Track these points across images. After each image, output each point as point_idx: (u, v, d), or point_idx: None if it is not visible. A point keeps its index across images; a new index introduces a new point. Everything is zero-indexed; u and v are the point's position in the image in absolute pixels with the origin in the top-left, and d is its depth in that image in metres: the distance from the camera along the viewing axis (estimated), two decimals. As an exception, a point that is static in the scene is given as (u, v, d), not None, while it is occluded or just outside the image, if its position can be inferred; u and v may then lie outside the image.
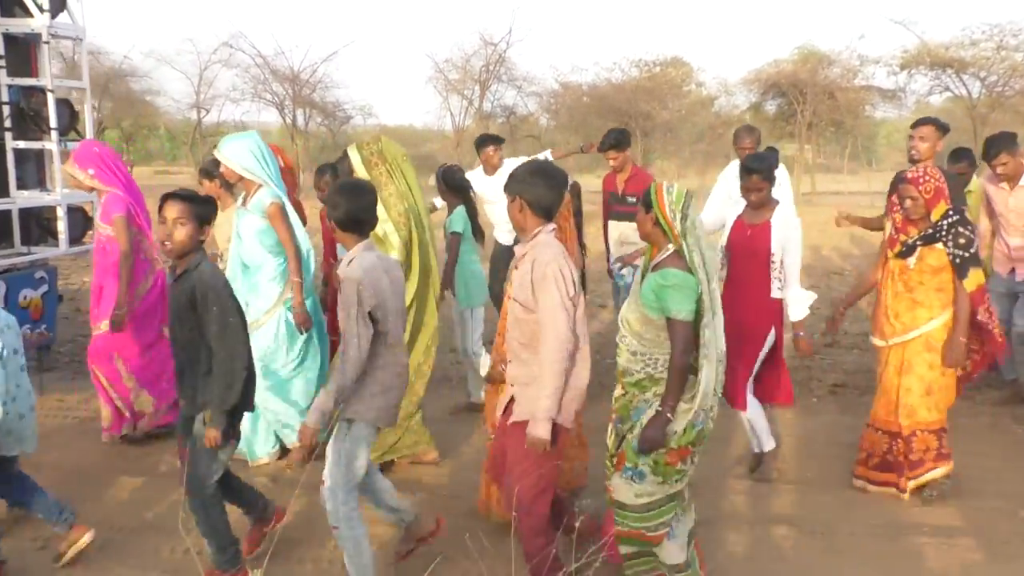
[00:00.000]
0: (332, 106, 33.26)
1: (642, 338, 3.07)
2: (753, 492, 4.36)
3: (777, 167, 4.22)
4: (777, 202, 4.11)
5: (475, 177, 6.14)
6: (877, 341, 4.18)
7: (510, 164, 6.00)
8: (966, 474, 4.31)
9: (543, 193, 3.04)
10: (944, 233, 3.80)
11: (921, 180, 3.81)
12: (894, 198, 4.10)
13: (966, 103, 27.21)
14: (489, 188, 6.13)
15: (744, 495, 4.33)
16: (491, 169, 6.24)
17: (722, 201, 5.64)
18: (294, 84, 31.30)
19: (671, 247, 3.05)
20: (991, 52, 26.70)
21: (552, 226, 3.09)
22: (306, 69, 31.37)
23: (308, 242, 4.68)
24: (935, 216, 3.82)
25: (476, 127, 31.53)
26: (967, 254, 3.76)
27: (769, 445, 4.39)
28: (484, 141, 6.41)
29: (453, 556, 3.54)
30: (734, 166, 5.50)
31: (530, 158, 5.67)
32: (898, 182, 4.12)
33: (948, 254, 3.79)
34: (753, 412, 4.23)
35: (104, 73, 28.21)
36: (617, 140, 5.66)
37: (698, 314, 2.99)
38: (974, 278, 3.78)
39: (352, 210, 3.15)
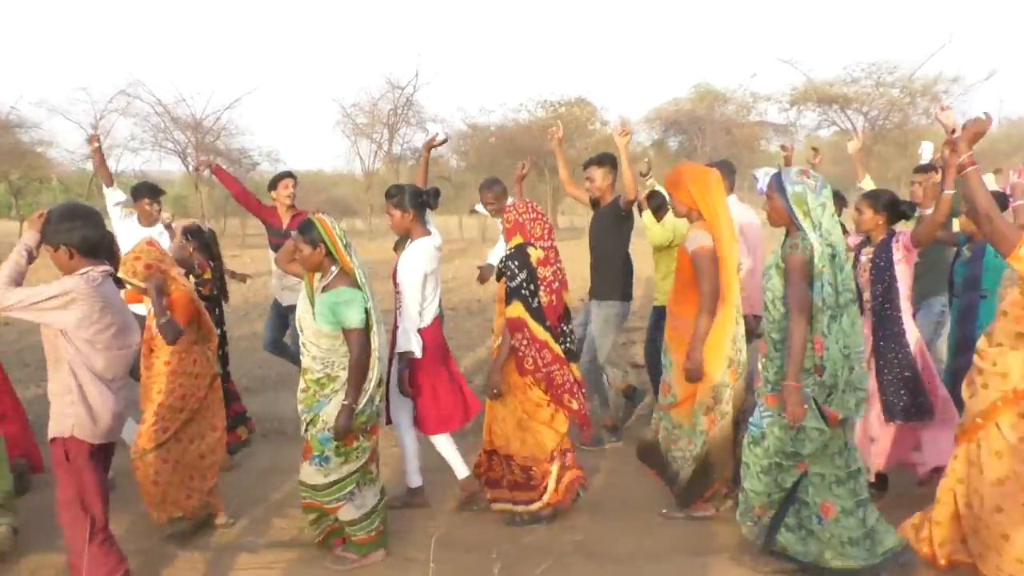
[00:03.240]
0: (237, 153, 32.62)
1: (320, 347, 3.57)
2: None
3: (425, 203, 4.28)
4: (428, 234, 4.26)
5: (128, 228, 5.63)
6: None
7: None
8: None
9: (88, 234, 3.03)
10: (505, 263, 4.01)
11: (507, 210, 4.07)
12: None
13: (851, 137, 28.81)
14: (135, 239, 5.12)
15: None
16: (146, 220, 5.67)
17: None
18: (196, 132, 30.63)
19: (335, 270, 3.57)
20: (871, 89, 28.52)
21: (101, 268, 3.06)
22: (209, 116, 30.79)
23: None
24: (510, 247, 4.05)
25: (386, 170, 31.50)
26: (511, 285, 3.96)
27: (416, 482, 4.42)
28: (139, 192, 5.75)
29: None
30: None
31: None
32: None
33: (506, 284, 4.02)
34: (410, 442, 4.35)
35: (-11, 125, 26.92)
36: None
37: (368, 323, 3.53)
38: (513, 308, 3.95)
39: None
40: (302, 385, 3.67)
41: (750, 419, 3.47)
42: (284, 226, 5.85)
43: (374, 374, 3.58)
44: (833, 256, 3.19)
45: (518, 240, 4.03)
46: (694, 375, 3.89)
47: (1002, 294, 3.31)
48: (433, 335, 4.31)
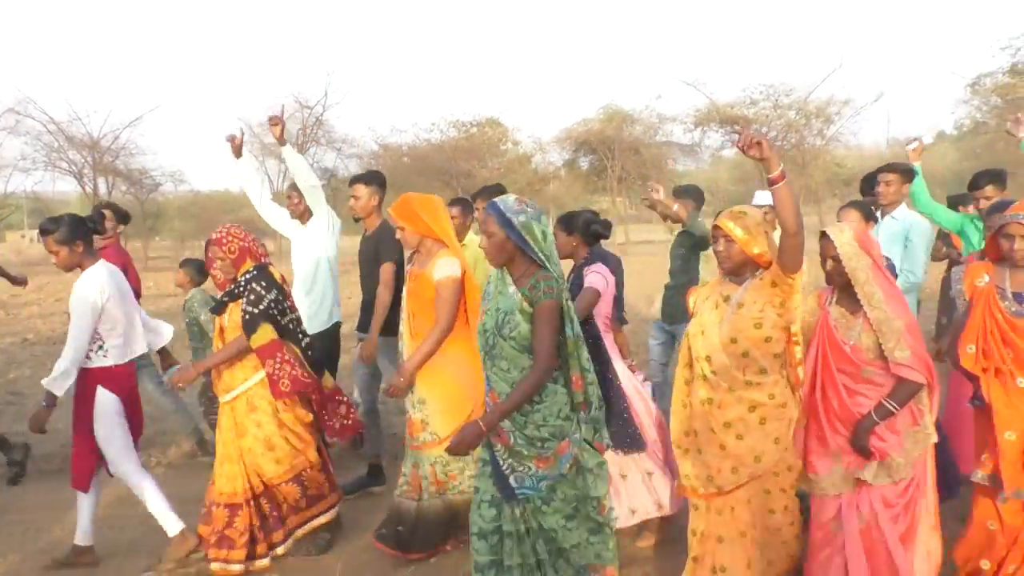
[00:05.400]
0: (138, 173, 31.46)
1: None
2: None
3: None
4: (97, 261, 3.88)
5: None
6: (221, 397, 3.96)
7: None
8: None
9: None
10: (243, 289, 3.79)
11: (224, 240, 3.83)
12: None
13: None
14: None
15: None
16: None
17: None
18: (94, 151, 29.38)
19: None
20: (769, 110, 29.79)
21: None
22: (107, 135, 29.59)
23: None
24: (239, 273, 3.85)
25: (296, 190, 30.88)
26: (256, 310, 3.75)
27: (176, 527, 3.92)
28: None
29: None
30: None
31: None
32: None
33: (242, 310, 3.76)
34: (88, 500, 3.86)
35: None
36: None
37: None
38: (262, 334, 3.75)
39: None
40: None
41: (516, 488, 2.85)
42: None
43: None
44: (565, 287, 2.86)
45: (250, 264, 3.85)
46: (395, 391, 3.76)
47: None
48: (124, 377, 3.90)
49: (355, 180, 4.87)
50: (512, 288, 2.82)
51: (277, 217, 5.36)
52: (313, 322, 4.90)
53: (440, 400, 3.74)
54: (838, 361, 2.96)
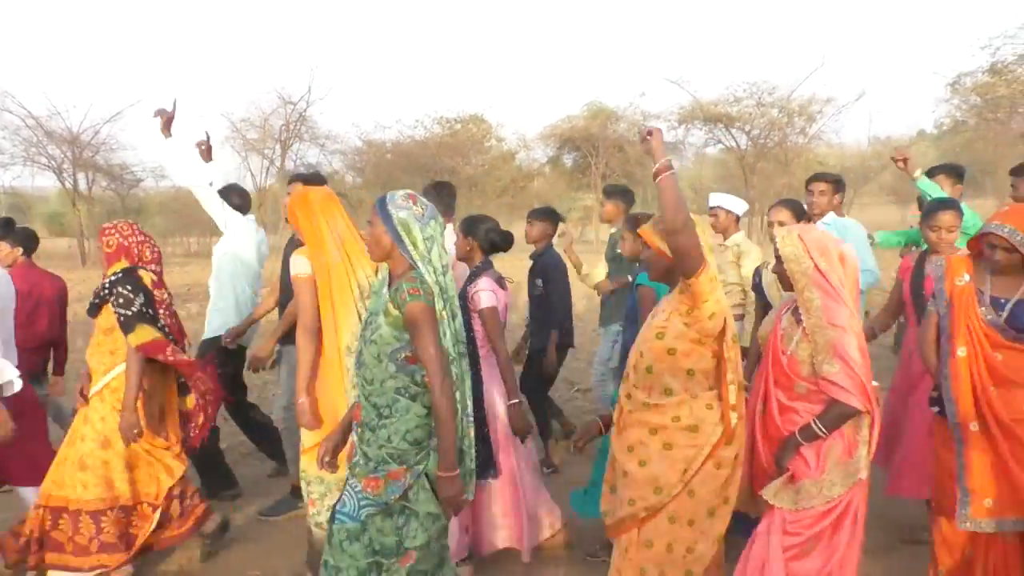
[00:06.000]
0: (119, 168, 31.16)
1: None
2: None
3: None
4: None
5: None
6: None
7: None
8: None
9: None
10: (108, 291, 3.60)
11: (107, 232, 3.72)
12: None
13: (736, 154, 30.23)
14: None
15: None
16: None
17: None
18: (74, 146, 29.05)
19: None
20: (752, 108, 29.93)
21: None
22: (87, 130, 29.26)
23: None
24: (108, 273, 3.67)
25: (279, 186, 30.73)
26: (129, 312, 3.55)
27: None
28: None
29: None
30: None
31: None
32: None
33: (116, 314, 3.58)
34: None
35: None
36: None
37: None
38: (140, 333, 3.55)
39: None
40: None
41: (338, 509, 2.64)
42: None
43: None
44: (444, 297, 2.61)
45: (123, 264, 3.68)
46: (302, 418, 3.43)
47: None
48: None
49: (295, 179, 4.67)
50: (385, 289, 2.63)
51: (210, 208, 4.88)
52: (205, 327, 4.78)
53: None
54: (775, 373, 2.71)
